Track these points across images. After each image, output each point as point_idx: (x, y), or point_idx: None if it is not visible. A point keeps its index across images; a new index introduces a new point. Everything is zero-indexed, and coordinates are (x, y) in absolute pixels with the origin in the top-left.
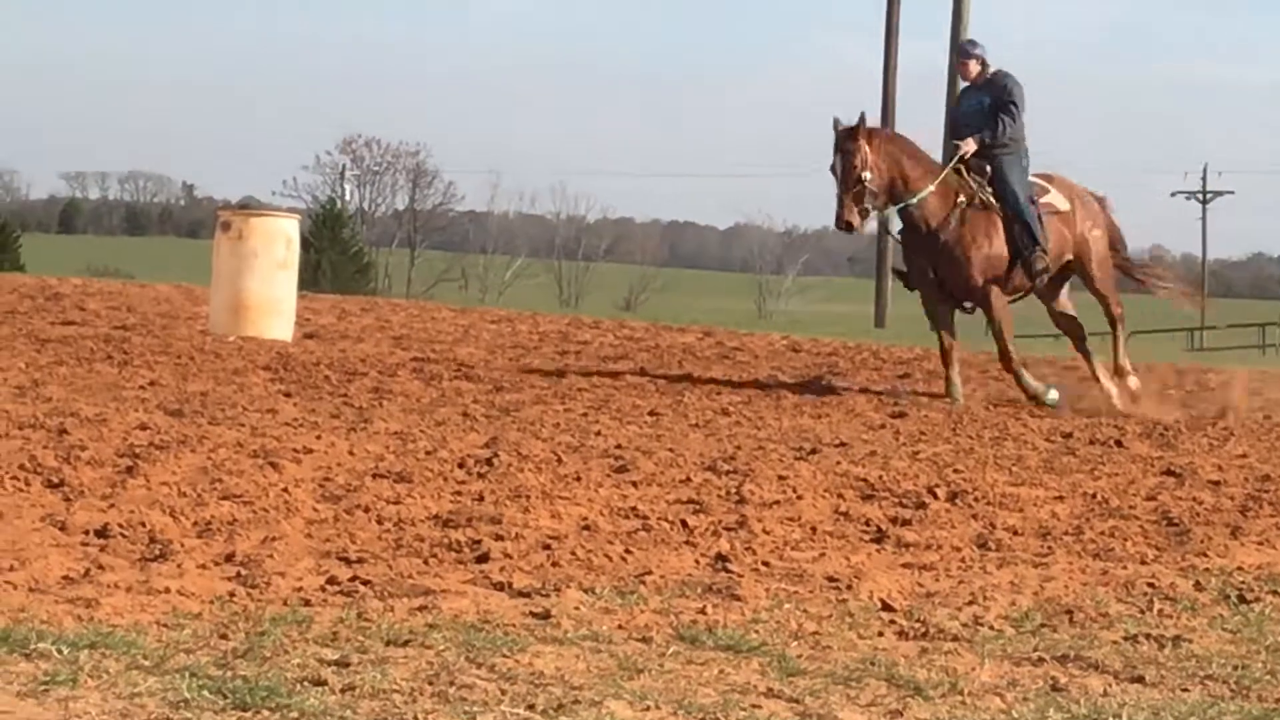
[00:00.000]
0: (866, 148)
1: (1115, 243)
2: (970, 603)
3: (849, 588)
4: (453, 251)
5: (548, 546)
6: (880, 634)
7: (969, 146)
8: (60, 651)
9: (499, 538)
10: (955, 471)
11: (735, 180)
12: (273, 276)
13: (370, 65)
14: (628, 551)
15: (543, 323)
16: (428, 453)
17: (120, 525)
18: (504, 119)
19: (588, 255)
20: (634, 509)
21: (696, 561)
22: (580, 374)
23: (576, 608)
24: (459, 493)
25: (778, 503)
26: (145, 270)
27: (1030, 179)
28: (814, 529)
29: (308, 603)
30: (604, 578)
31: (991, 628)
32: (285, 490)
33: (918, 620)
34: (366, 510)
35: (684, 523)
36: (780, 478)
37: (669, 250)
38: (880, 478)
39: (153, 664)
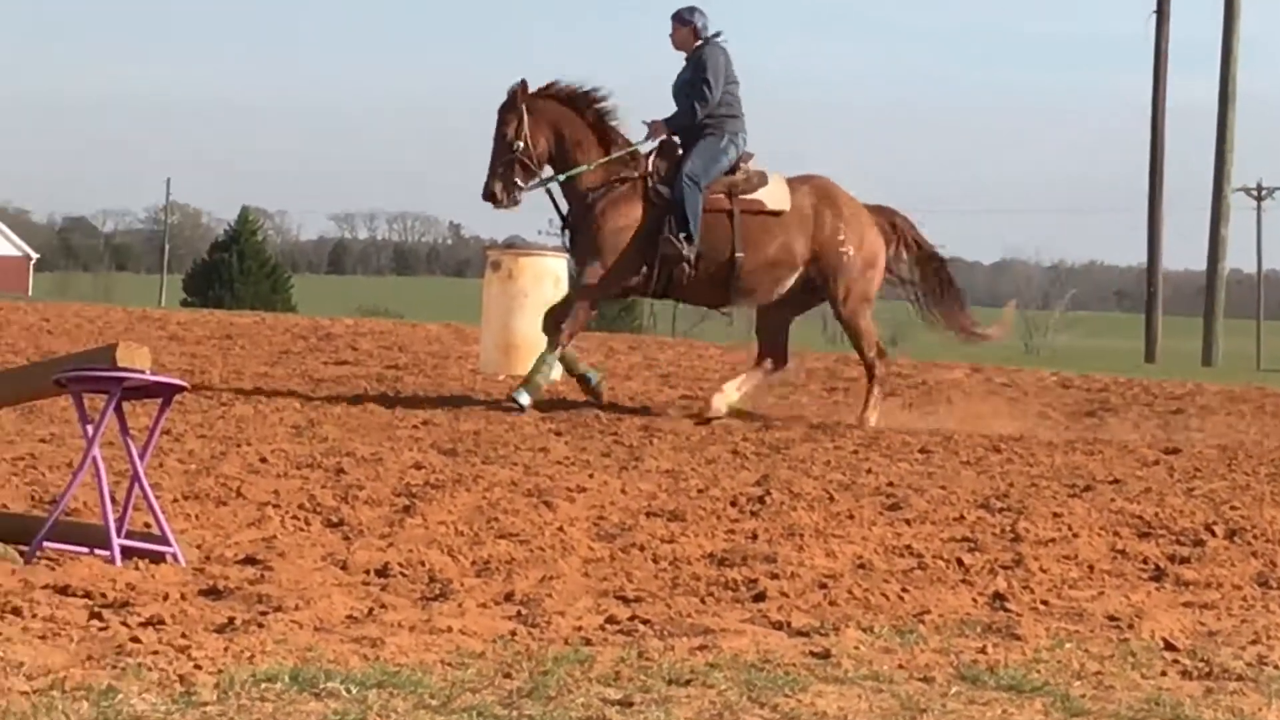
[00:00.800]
0: (525, 115)
1: (893, 264)
2: (1254, 642)
3: (1130, 627)
4: None
5: (824, 585)
6: (1164, 674)
7: (657, 131)
8: (349, 691)
9: (775, 576)
10: (1232, 508)
11: (1002, 215)
12: (541, 315)
13: (642, 94)
14: (904, 590)
15: (810, 359)
16: (700, 491)
17: (400, 564)
18: None
19: None
20: (908, 547)
21: (974, 600)
22: (849, 410)
23: (856, 647)
24: (732, 531)
25: (1053, 540)
26: (413, 310)
27: (757, 170)
28: (1091, 567)
29: (589, 642)
30: (882, 616)
31: (1276, 667)
32: (560, 529)
33: (1201, 660)
34: (642, 549)
35: (959, 561)
36: (1055, 515)
37: None
38: (1156, 515)
39: (439, 703)
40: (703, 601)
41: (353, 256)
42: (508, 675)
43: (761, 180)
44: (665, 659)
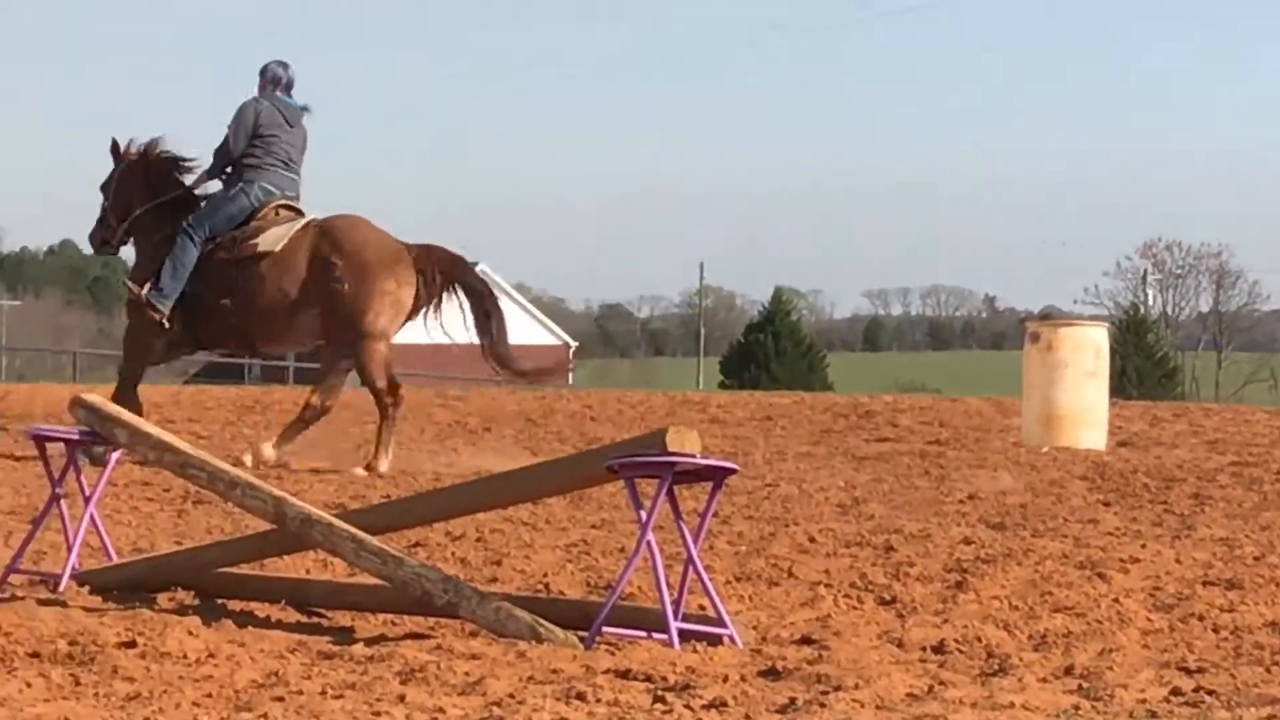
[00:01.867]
0: (115, 171)
1: (425, 299)
2: None
3: None
4: (1260, 352)
5: None
6: None
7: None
8: None
9: None
10: None
11: None
12: (1083, 385)
13: (1170, 169)
14: None
15: None
16: (1256, 558)
17: (956, 640)
18: None
19: None
20: None
21: None
22: None
23: None
24: None
25: None
26: (950, 384)
27: (284, 214)
28: None
29: (1154, 714)
30: None
31: None
32: (1116, 600)
33: None
34: (1201, 619)
35: None
36: None
37: None
38: None
39: None
40: (1268, 671)
41: (887, 333)
42: None
43: (271, 225)
44: None
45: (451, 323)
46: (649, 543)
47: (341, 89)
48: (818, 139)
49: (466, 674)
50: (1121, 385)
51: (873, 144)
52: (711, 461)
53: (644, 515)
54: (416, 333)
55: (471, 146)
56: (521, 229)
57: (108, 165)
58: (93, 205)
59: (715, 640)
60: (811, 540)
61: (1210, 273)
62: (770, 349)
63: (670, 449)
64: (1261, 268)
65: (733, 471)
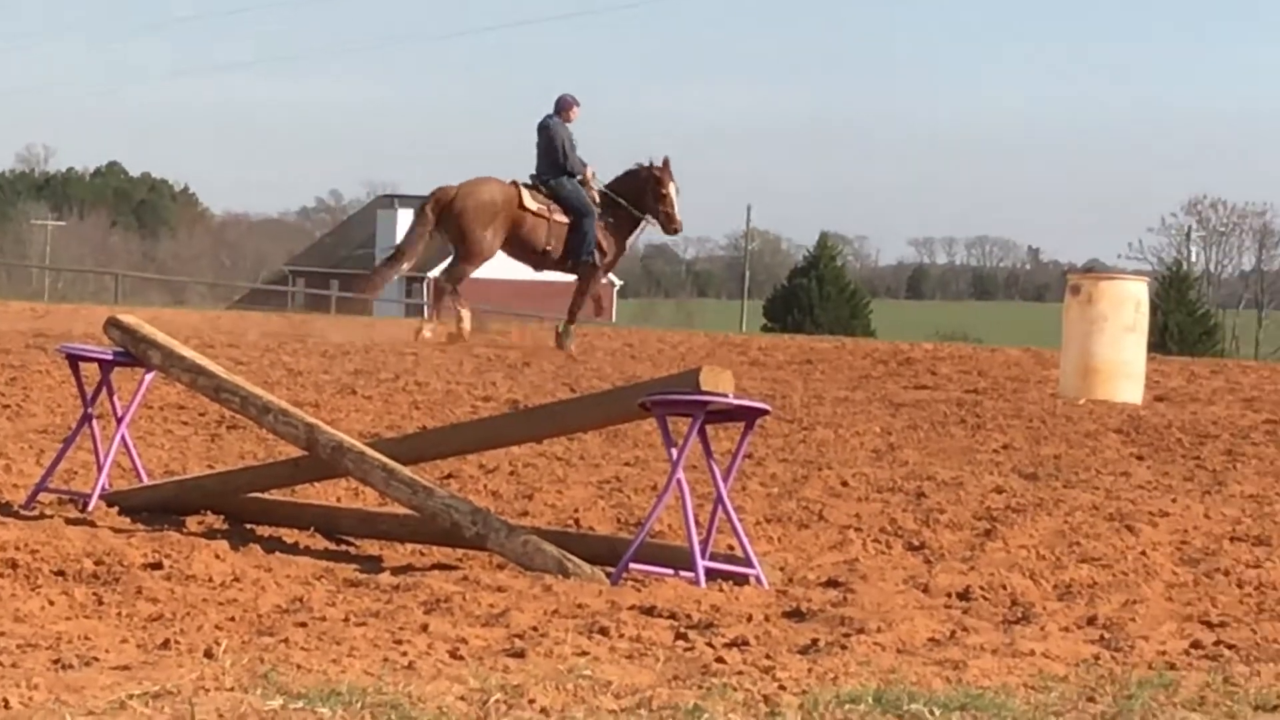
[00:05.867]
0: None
1: None
2: None
3: None
4: None
5: None
6: None
7: None
8: (932, 713)
9: None
10: None
11: None
12: (1122, 339)
13: (1216, 127)
14: None
15: None
16: None
17: (981, 588)
18: None
19: None
20: None
21: None
22: None
23: None
24: None
25: None
26: (992, 334)
27: None
28: None
29: (1173, 666)
30: None
31: None
32: (1143, 553)
33: None
34: (1226, 574)
35: None
36: None
37: None
38: None
39: None
40: None
41: (931, 282)
42: (1091, 699)
43: None
44: (1252, 684)
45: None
46: (679, 481)
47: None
48: (872, 87)
49: (491, 606)
50: (1162, 341)
51: (926, 93)
52: (744, 402)
53: (675, 453)
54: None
55: (519, 81)
56: None
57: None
58: (140, 125)
59: (742, 580)
60: (844, 484)
61: (1254, 231)
62: (814, 294)
63: (704, 388)
64: None
65: (765, 412)
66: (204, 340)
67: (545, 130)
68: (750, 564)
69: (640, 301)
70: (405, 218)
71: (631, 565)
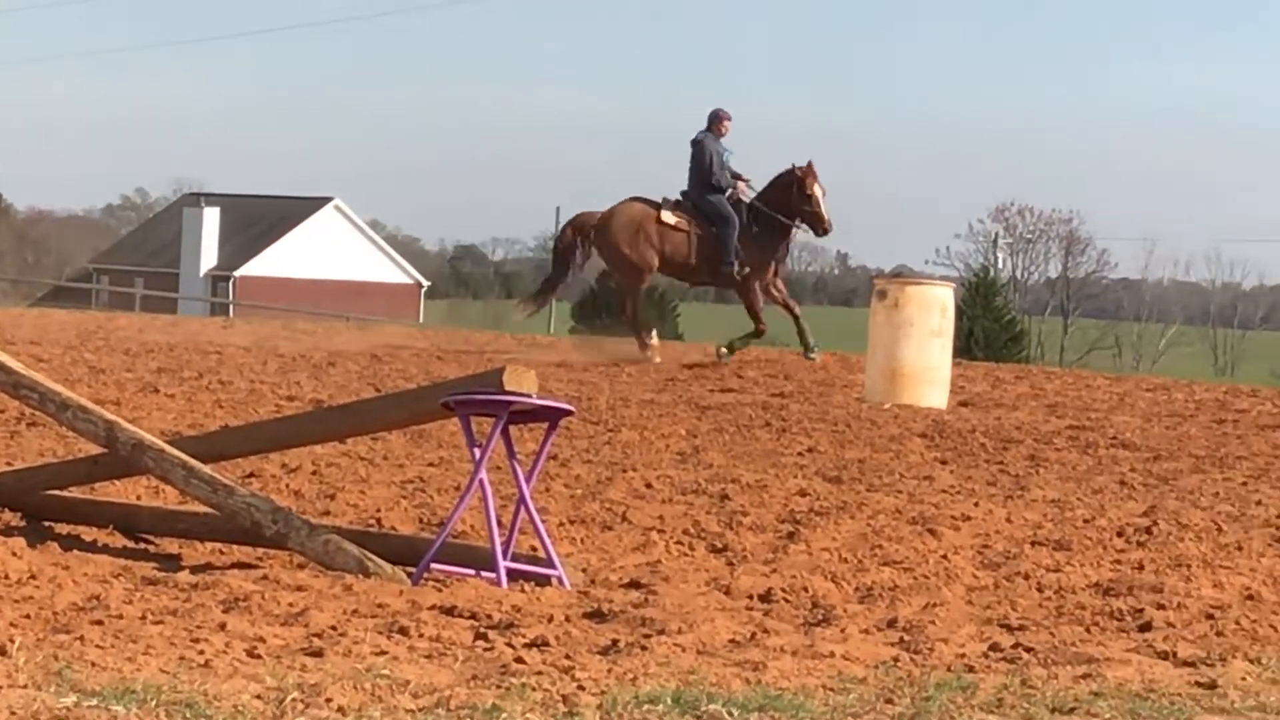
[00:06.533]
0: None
1: None
2: None
3: None
4: (1105, 319)
5: (1211, 616)
6: None
7: None
8: (730, 714)
9: (1161, 606)
10: None
11: None
12: (927, 345)
13: (1024, 134)
14: None
15: (1199, 391)
16: (1085, 520)
17: (783, 590)
18: (1158, 185)
19: (1244, 323)
20: None
21: None
22: (1238, 441)
23: (1243, 678)
24: (1118, 561)
25: None
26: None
27: None
28: None
29: (971, 669)
30: (1270, 648)
31: None
32: (944, 557)
33: None
34: (1026, 577)
35: None
36: None
37: None
38: None
39: None
40: (1087, 631)
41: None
42: (889, 701)
43: None
44: (1049, 687)
45: None
46: (481, 481)
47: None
48: (681, 87)
49: (290, 605)
50: (968, 347)
51: (739, 95)
52: (547, 402)
53: (478, 454)
54: (264, 267)
55: (329, 80)
56: (378, 165)
57: None
58: None
59: (544, 581)
60: (648, 486)
61: (1060, 239)
62: None
63: (507, 388)
64: (1110, 235)
65: (569, 413)
66: (5, 337)
67: (696, 146)
68: (552, 565)
69: (448, 302)
70: (211, 216)
71: (433, 565)
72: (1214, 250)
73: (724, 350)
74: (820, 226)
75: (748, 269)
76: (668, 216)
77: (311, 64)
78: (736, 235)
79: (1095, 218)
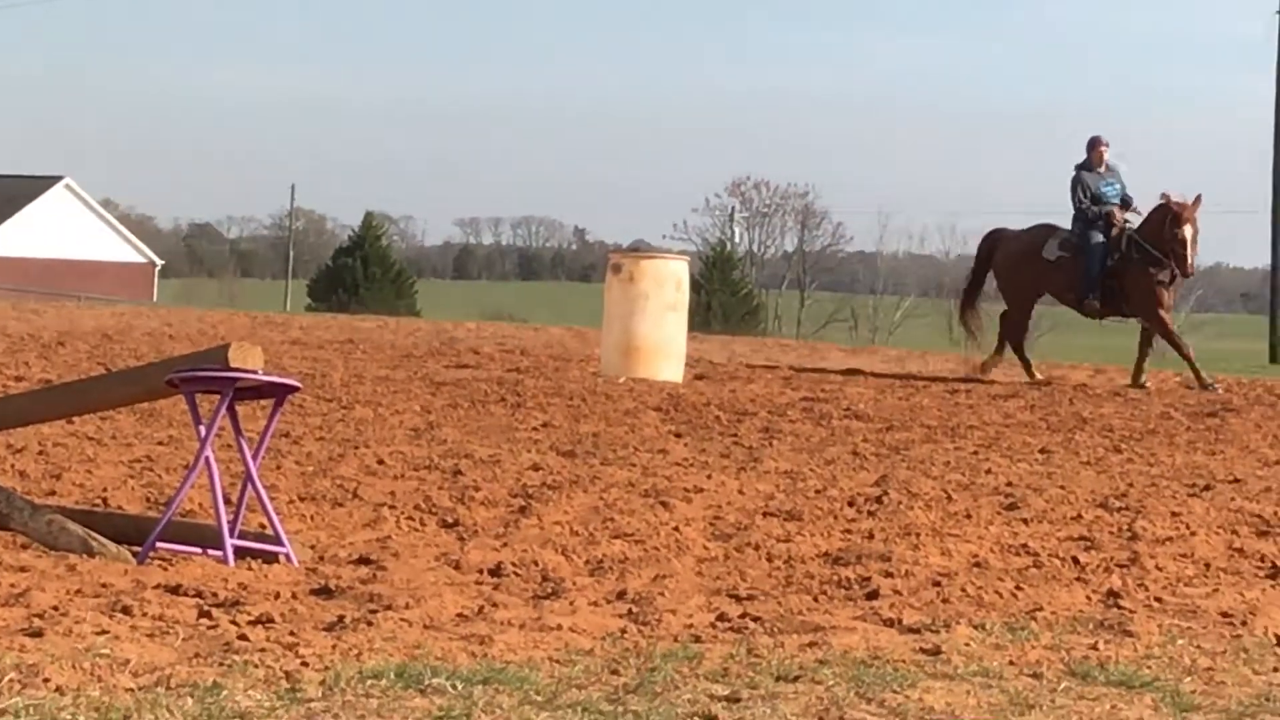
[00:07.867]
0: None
1: None
2: None
3: (1243, 624)
4: (842, 292)
5: (938, 583)
6: (1276, 670)
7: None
8: (454, 687)
9: (889, 574)
10: None
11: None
12: (663, 318)
13: (757, 108)
14: (1018, 588)
15: (933, 362)
16: (817, 491)
17: (514, 564)
18: (891, 158)
19: None
20: (1024, 546)
21: (1088, 598)
22: (970, 411)
23: (967, 644)
24: (849, 530)
25: (1170, 539)
26: (538, 314)
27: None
28: (1207, 565)
29: (698, 639)
30: (994, 614)
31: None
32: (676, 529)
33: None
34: (757, 548)
35: (1075, 559)
36: (1173, 514)
37: None
38: (1276, 514)
39: (545, 699)
40: (815, 600)
41: (477, 261)
42: (615, 672)
43: None
44: (774, 656)
45: None
46: (208, 458)
47: None
48: (420, 61)
49: (12, 586)
50: (706, 320)
51: (474, 70)
52: (273, 378)
53: (203, 431)
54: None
55: (64, 55)
56: (112, 142)
57: None
58: None
59: (272, 558)
60: (380, 463)
61: (796, 212)
62: (359, 273)
63: (233, 364)
64: (845, 209)
65: (296, 389)
66: None
67: (1071, 178)
68: (280, 542)
69: (183, 281)
70: None
71: (160, 544)
72: (948, 223)
73: (1207, 379)
74: (1183, 268)
75: (1097, 302)
76: (1049, 252)
77: (40, 39)
78: (1101, 267)
79: (831, 191)
